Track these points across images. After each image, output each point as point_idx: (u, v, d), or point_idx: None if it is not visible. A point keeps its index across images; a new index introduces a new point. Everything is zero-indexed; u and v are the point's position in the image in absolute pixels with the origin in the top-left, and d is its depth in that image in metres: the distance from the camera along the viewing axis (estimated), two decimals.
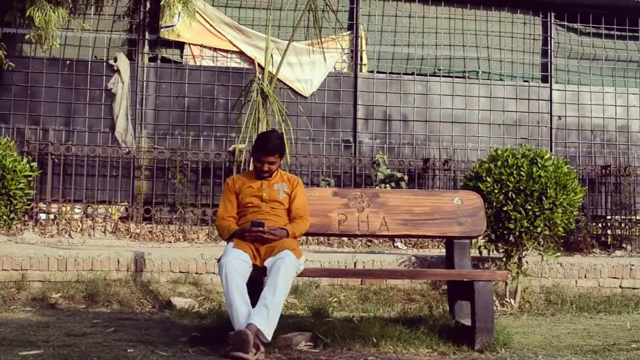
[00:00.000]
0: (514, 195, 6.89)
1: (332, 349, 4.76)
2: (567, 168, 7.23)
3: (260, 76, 8.87)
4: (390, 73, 11.78)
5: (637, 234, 10.80)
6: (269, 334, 4.39)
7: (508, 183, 6.89)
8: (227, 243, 4.90)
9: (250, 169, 6.44)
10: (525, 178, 6.87)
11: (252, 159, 5.29)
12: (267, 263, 4.72)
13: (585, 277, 8.06)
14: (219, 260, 4.73)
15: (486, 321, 4.91)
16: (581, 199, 7.30)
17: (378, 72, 11.77)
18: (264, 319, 4.39)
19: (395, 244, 10.08)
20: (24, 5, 9.16)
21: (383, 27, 11.89)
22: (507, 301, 7.38)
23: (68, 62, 10.94)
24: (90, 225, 9.90)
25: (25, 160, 8.94)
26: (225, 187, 5.26)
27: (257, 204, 5.08)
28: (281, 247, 4.77)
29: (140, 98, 11.05)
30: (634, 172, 11.17)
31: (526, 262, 7.52)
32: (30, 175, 8.94)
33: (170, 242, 9.71)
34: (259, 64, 9.87)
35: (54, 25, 9.03)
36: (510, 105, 11.98)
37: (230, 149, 10.55)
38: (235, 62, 11.39)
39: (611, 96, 12.28)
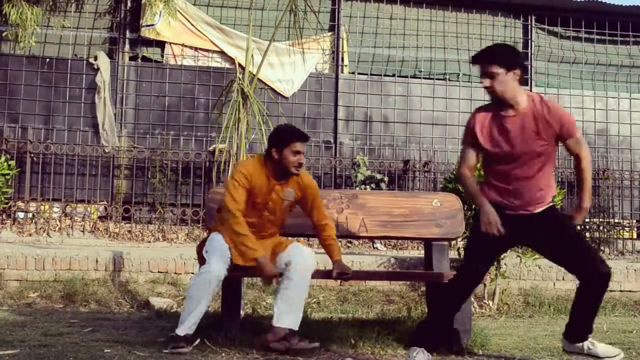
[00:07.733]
0: None
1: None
2: None
3: (240, 76, 8.85)
4: (371, 74, 11.80)
5: (616, 236, 10.89)
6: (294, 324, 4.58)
7: None
8: (211, 233, 4.85)
9: (230, 169, 6.40)
10: None
11: (277, 154, 4.76)
12: (282, 258, 4.78)
13: (563, 279, 8.10)
14: (200, 254, 4.74)
15: (464, 323, 4.94)
16: (560, 202, 7.34)
17: (359, 73, 11.79)
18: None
19: (375, 245, 10.09)
20: (2, 2, 9.08)
21: (364, 28, 11.91)
22: (485, 303, 7.41)
23: (48, 60, 10.86)
24: (69, 225, 9.84)
25: (3, 158, 8.94)
26: (240, 177, 4.72)
27: (260, 207, 4.83)
28: (290, 241, 4.92)
29: (121, 97, 11.00)
30: (612, 175, 11.26)
31: (505, 264, 7.55)
32: (8, 174, 8.94)
33: (149, 241, 9.67)
34: (239, 64, 9.85)
35: (30, 23, 8.96)
36: None
37: (211, 148, 10.52)
38: (216, 62, 11.36)
39: (590, 100, 12.37)
